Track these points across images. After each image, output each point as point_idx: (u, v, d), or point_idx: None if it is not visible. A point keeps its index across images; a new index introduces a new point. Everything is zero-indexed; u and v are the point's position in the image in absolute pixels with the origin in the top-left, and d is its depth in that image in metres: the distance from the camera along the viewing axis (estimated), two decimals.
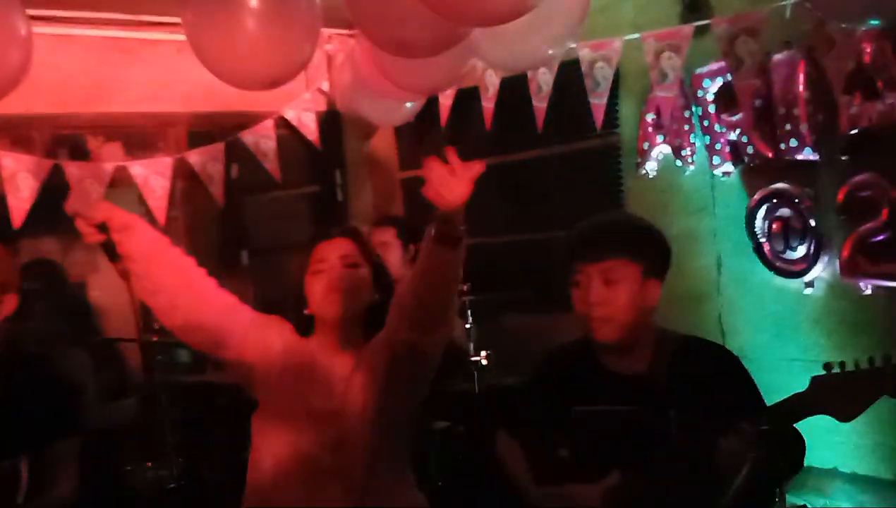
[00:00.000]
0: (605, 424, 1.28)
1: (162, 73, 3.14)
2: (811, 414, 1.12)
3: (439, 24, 1.37)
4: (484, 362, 2.88)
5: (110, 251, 1.23)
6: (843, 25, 2.09)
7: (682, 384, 1.24)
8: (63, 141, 3.06)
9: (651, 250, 1.33)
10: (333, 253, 1.36)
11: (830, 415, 1.09)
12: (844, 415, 1.08)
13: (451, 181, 1.05)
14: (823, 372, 1.11)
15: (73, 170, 2.95)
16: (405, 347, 1.29)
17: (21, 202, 2.82)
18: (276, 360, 1.35)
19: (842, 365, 1.11)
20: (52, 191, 2.92)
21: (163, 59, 3.14)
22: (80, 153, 3.10)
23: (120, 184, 3.10)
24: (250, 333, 1.34)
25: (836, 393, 1.08)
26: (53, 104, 2.75)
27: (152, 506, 2.76)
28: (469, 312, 2.83)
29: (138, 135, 3.22)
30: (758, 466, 0.89)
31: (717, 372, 1.27)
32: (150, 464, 2.88)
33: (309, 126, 3.43)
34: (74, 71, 2.89)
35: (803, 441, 0.98)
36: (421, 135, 3.61)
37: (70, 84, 2.88)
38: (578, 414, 1.30)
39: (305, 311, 1.37)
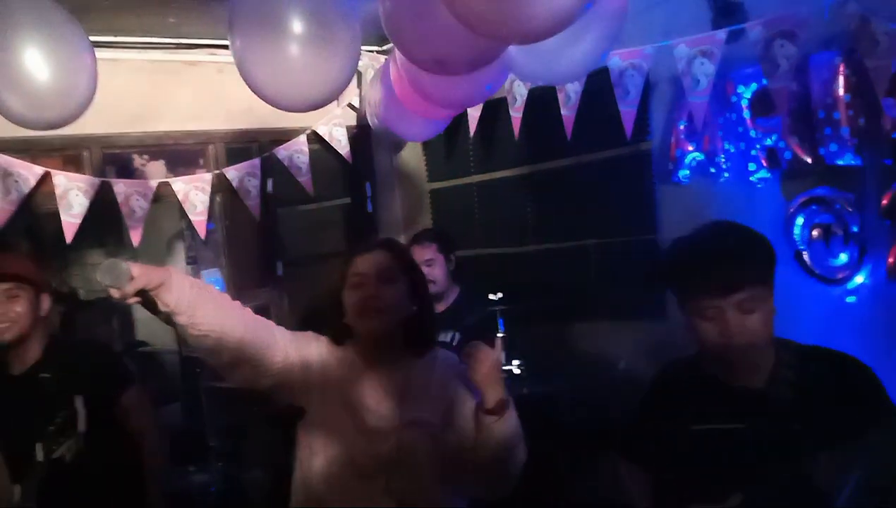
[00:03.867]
0: (725, 443, 1.20)
1: (203, 92, 3.26)
2: None
3: (478, 41, 1.40)
4: (516, 371, 2.89)
5: (150, 307, 1.22)
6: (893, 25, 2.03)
7: (806, 397, 1.17)
8: (111, 159, 3.18)
9: (769, 257, 1.26)
10: (370, 267, 1.37)
11: None
12: None
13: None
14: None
15: (120, 187, 3.07)
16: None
17: (73, 218, 2.95)
18: (316, 376, 1.37)
19: None
20: (100, 207, 3.05)
21: (204, 79, 3.26)
22: (126, 171, 3.22)
23: (163, 199, 3.22)
24: (290, 355, 1.36)
25: None
26: (102, 125, 2.87)
27: None
28: (501, 322, 2.84)
29: (180, 153, 3.34)
30: (863, 486, 0.86)
31: (842, 384, 1.19)
32: (191, 468, 2.96)
33: (340, 140, 3.51)
34: (122, 93, 3.01)
35: None
36: (449, 147, 3.64)
37: (118, 105, 3.00)
38: (696, 434, 1.24)
39: (344, 322, 1.39)
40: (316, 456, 1.35)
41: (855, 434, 1.03)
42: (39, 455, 1.59)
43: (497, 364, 1.24)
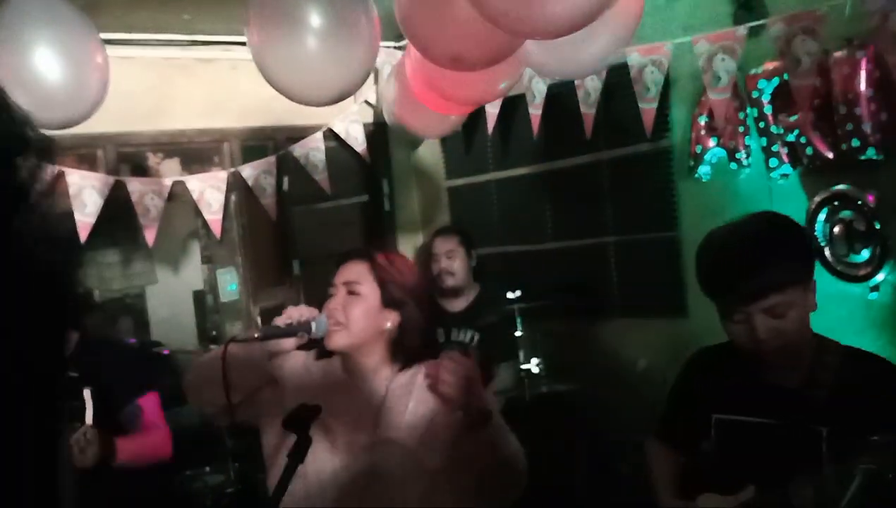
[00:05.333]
0: (747, 435, 1.18)
1: (217, 89, 3.24)
2: None
3: (494, 37, 1.38)
4: (535, 370, 2.86)
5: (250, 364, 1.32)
6: None
7: (840, 400, 1.13)
8: (125, 158, 3.19)
9: (806, 255, 1.19)
10: (339, 278, 1.33)
11: None
12: None
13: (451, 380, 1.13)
14: None
15: (134, 185, 3.08)
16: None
17: (87, 217, 2.95)
18: (286, 392, 1.32)
19: None
20: (114, 206, 3.06)
21: (218, 76, 3.25)
22: (140, 169, 3.22)
23: (177, 197, 3.22)
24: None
25: None
26: (116, 123, 2.86)
27: None
28: (519, 320, 2.82)
29: (195, 151, 3.33)
30: (870, 479, 0.83)
31: (881, 390, 1.13)
32: (207, 469, 2.96)
33: (357, 137, 3.48)
34: (135, 90, 3.01)
35: None
36: (468, 144, 3.62)
37: (132, 103, 2.99)
38: (719, 422, 1.22)
39: None
40: (313, 460, 1.24)
41: (887, 442, 0.98)
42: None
43: (469, 374, 1.12)
